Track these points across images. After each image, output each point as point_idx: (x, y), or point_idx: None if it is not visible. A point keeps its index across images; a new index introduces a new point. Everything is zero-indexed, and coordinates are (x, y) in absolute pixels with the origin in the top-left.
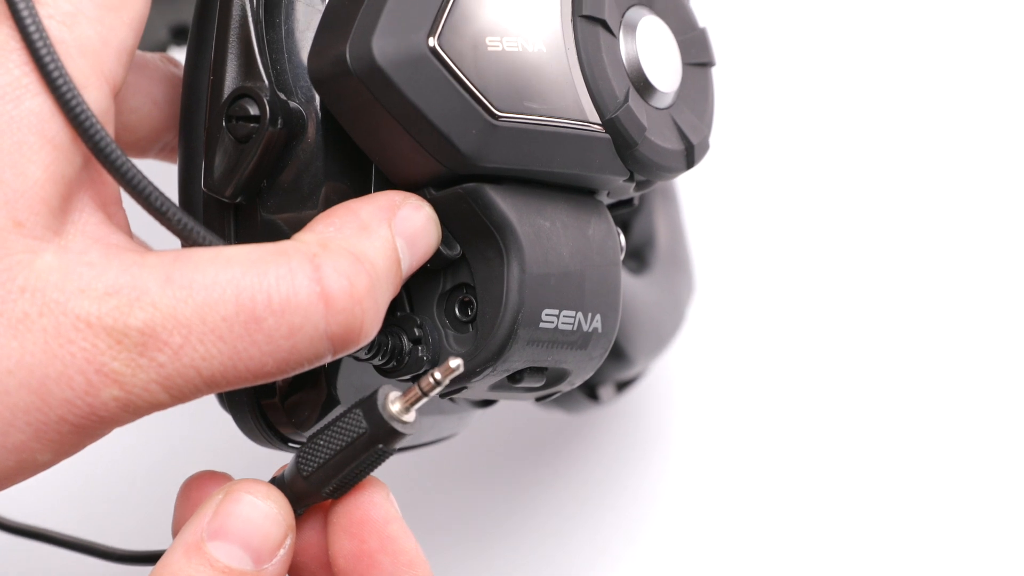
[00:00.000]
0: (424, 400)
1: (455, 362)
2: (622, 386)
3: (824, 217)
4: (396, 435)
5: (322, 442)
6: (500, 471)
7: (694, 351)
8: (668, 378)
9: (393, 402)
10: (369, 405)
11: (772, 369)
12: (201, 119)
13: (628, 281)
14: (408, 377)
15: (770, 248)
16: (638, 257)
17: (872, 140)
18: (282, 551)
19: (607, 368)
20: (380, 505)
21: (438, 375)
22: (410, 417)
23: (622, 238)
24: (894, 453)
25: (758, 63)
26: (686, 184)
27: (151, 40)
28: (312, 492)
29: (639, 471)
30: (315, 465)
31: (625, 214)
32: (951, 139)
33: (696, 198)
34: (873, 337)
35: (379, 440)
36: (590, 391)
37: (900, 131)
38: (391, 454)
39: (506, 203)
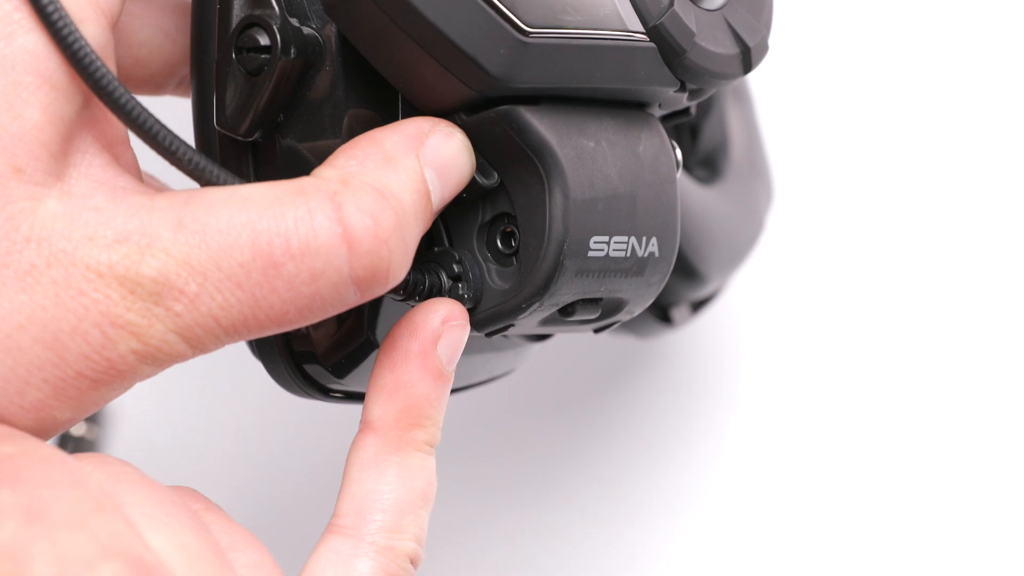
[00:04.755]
0: None
1: None
2: (697, 306)
3: (913, 113)
4: None
5: None
6: (565, 403)
7: (775, 262)
8: (748, 293)
9: None
10: None
11: (858, 277)
12: (212, 51)
13: (698, 192)
14: None
15: (853, 148)
16: (710, 164)
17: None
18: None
19: (679, 288)
20: None
21: None
22: None
23: (678, 152)
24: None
25: None
26: (760, 81)
27: None
28: None
29: (716, 399)
30: None
31: (694, 119)
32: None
33: (773, 95)
34: (973, 243)
35: None
36: (662, 313)
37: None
38: None
39: (543, 125)
